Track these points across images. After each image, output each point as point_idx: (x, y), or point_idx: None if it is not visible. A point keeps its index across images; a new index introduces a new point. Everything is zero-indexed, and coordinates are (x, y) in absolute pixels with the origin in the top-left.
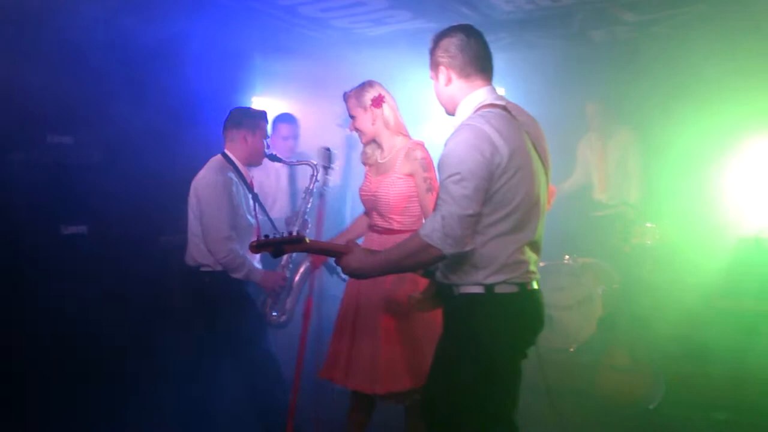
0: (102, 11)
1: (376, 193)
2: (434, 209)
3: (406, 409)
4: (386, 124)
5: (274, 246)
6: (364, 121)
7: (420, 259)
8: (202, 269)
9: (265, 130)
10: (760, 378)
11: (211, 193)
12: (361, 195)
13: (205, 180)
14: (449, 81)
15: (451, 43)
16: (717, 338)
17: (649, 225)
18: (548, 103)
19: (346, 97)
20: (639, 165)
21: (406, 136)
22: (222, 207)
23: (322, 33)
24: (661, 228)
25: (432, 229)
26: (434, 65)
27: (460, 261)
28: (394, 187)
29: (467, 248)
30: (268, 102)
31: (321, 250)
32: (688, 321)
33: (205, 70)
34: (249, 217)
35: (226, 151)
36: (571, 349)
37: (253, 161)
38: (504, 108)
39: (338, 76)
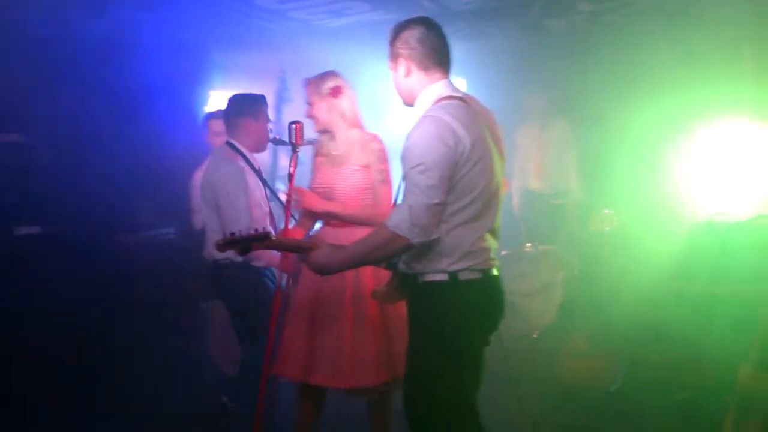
0: (51, 3)
1: (333, 186)
2: (397, 200)
3: (371, 401)
4: (342, 115)
5: (241, 243)
6: (321, 109)
7: (389, 250)
8: (221, 262)
9: (267, 115)
10: (716, 358)
11: (227, 186)
12: (314, 188)
13: (219, 173)
14: (409, 72)
15: (412, 35)
16: (674, 321)
17: (606, 211)
18: (508, 91)
19: (306, 83)
20: (575, 154)
21: (362, 129)
22: (240, 199)
23: (281, 25)
24: (618, 214)
25: (400, 220)
26: (394, 56)
27: (424, 250)
28: (352, 179)
29: (433, 237)
30: (227, 95)
31: (286, 247)
32: (646, 305)
33: (161, 63)
34: (262, 204)
35: (231, 140)
36: (534, 336)
37: (259, 147)
38: (462, 99)
39: (298, 68)
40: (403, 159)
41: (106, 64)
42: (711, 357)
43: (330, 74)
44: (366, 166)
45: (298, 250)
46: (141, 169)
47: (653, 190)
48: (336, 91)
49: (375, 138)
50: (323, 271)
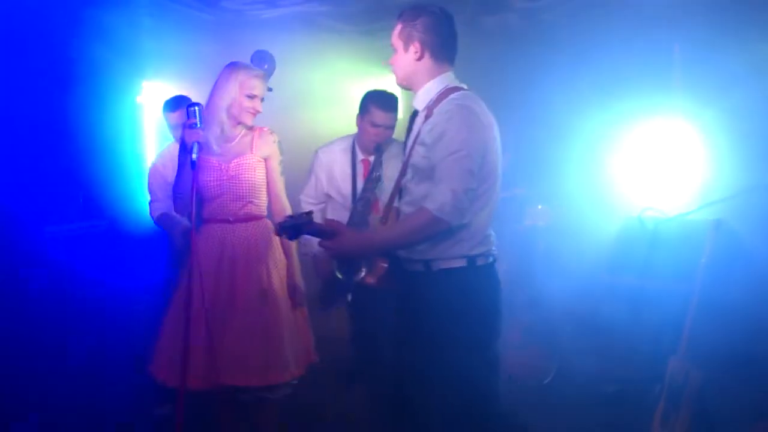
0: None
1: (239, 176)
2: (432, 185)
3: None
4: None
5: (294, 229)
6: None
7: (428, 233)
8: None
9: (374, 114)
10: (645, 351)
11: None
12: (209, 183)
13: None
14: (421, 57)
15: (432, 22)
16: (605, 314)
17: (540, 207)
18: None
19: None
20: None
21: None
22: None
23: (214, 15)
24: (552, 209)
25: (443, 203)
26: (407, 37)
27: (443, 235)
28: (259, 169)
29: (466, 220)
30: (160, 86)
31: (314, 231)
32: (579, 298)
33: (91, 51)
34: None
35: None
36: None
37: (365, 146)
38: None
39: (233, 59)
40: (436, 146)
41: (35, 52)
42: (641, 350)
43: None
44: (266, 158)
45: (323, 234)
46: (68, 158)
47: (587, 186)
48: None
49: (270, 130)
50: (348, 256)
